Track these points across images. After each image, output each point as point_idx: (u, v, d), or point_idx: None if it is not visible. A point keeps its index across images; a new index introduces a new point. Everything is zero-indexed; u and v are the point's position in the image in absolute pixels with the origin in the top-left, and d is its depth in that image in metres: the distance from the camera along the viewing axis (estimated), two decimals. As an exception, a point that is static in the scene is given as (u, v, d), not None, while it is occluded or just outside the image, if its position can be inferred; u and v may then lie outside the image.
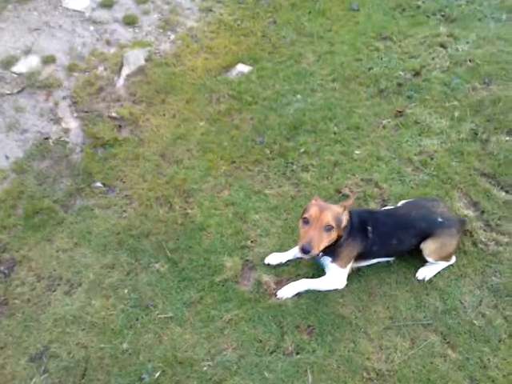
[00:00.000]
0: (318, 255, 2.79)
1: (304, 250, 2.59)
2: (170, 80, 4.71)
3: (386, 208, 3.37)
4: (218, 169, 3.90)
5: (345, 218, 2.78)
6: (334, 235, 2.73)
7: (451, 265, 3.11)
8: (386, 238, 2.97)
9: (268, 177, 3.81)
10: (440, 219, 2.97)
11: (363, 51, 4.89)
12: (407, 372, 2.69)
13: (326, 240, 2.70)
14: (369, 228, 2.92)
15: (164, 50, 5.04)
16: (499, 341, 2.81)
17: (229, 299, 3.09)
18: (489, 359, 2.74)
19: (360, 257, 2.97)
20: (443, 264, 3.08)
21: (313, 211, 2.68)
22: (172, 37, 5.20)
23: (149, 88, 4.65)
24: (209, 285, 3.18)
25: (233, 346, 2.90)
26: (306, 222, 2.69)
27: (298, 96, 4.49)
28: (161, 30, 5.24)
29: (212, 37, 5.17)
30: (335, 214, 2.72)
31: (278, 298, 3.02)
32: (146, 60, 4.87)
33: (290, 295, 3.02)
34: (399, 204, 3.29)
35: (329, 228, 2.68)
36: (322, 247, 2.69)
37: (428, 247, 2.99)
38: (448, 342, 2.81)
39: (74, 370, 2.88)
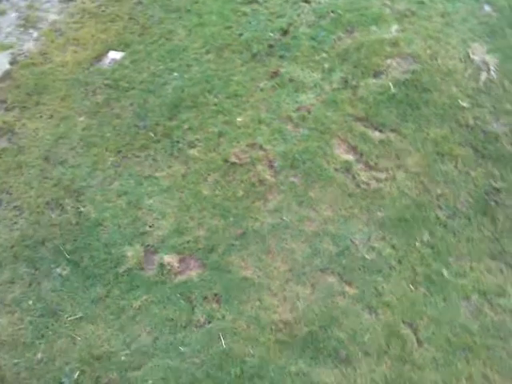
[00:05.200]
0: None
1: None
2: (40, 80, 4.50)
3: None
4: (105, 161, 3.85)
5: None
6: None
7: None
8: None
9: (156, 160, 3.82)
10: None
11: (232, 18, 4.91)
12: (311, 315, 2.90)
13: None
14: None
15: (28, 49, 4.79)
16: (390, 268, 3.07)
17: (136, 287, 3.13)
18: (383, 287, 3.00)
19: None
20: None
21: None
22: (35, 34, 4.94)
23: (19, 92, 4.43)
24: (114, 277, 3.19)
25: (147, 331, 2.96)
26: None
27: (175, 74, 4.47)
28: (21, 29, 4.96)
29: (77, 27, 4.97)
30: None
31: None
32: (11, 63, 4.61)
33: None
34: None
35: None
36: None
37: None
38: (345, 281, 3.04)
39: (-9, 392, 2.83)
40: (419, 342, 2.78)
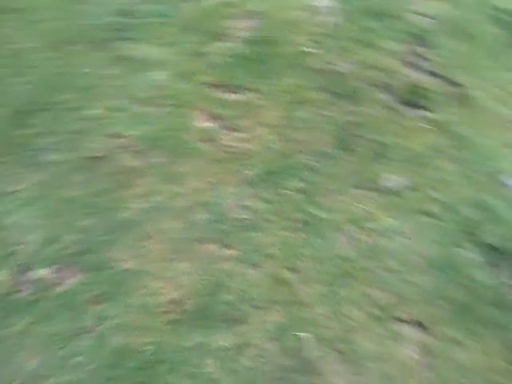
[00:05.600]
0: None
1: None
2: None
3: None
4: (-45, 189, 3.49)
5: None
6: None
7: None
8: None
9: (13, 173, 3.53)
10: None
11: (68, 9, 4.66)
12: (197, 287, 2.85)
13: None
14: None
15: None
16: (267, 222, 3.10)
17: (12, 313, 2.88)
18: (262, 241, 3.02)
19: None
20: None
21: None
22: None
23: None
24: (-14, 310, 2.92)
25: (35, 353, 2.75)
26: None
27: (17, 79, 4.15)
28: None
29: None
30: None
31: None
32: None
33: None
34: None
35: None
36: None
37: None
38: (225, 245, 3.02)
39: None
40: (304, 283, 2.84)
